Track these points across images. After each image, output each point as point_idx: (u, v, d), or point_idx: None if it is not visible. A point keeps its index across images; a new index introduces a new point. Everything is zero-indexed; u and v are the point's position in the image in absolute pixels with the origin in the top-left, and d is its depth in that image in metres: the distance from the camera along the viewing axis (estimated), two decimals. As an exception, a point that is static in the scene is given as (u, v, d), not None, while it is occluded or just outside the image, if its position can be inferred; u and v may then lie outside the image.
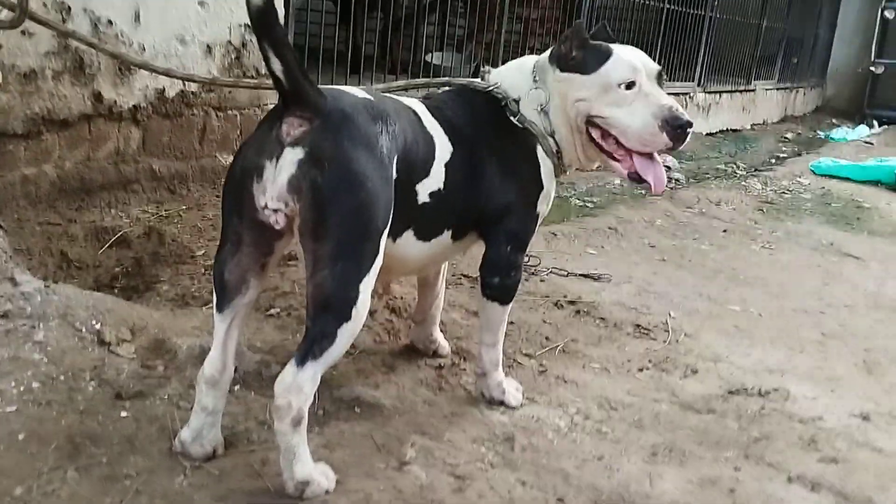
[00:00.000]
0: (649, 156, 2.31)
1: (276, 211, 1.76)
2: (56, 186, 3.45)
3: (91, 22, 3.43)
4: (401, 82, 2.37)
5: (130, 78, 3.62)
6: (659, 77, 2.33)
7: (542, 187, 2.34)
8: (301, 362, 1.77)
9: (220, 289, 1.88)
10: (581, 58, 2.27)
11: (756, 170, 7.42)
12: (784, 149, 9.14)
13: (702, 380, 2.84)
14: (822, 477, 2.28)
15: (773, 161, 8.15)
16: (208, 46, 3.92)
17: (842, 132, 10.49)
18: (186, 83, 3.86)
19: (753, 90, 10.40)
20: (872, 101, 12.30)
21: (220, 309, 1.90)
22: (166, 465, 1.91)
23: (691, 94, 8.73)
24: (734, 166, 7.57)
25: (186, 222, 3.58)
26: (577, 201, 5.50)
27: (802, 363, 3.09)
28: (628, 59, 2.28)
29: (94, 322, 2.39)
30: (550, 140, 2.33)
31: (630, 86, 2.25)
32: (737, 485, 2.18)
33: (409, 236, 2.08)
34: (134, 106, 3.67)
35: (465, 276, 3.45)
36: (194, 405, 1.95)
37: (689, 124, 2.24)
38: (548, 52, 2.37)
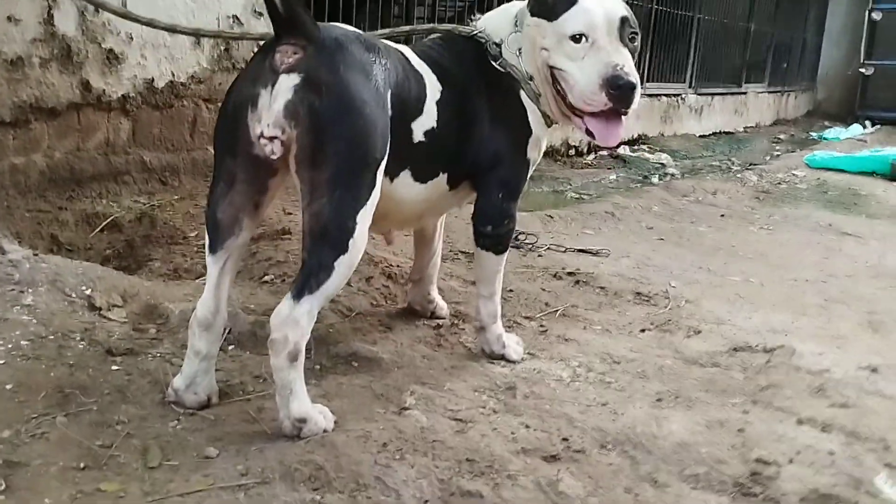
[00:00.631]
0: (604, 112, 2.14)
1: (272, 139, 1.72)
2: (46, 176, 3.41)
3: (78, 10, 3.41)
4: (385, 30, 2.34)
5: (119, 67, 3.60)
6: (621, 28, 2.15)
7: (530, 132, 2.30)
8: (297, 296, 1.72)
9: (212, 229, 1.84)
10: (551, 4, 2.16)
11: (751, 164, 7.41)
12: (778, 148, 9.13)
13: (705, 339, 2.79)
14: (833, 419, 2.22)
15: (768, 158, 8.14)
16: (196, 37, 3.90)
17: (835, 132, 10.50)
18: (175, 74, 3.84)
19: (745, 93, 10.44)
20: (864, 102, 12.33)
21: (212, 250, 1.85)
22: (159, 413, 1.87)
23: (683, 96, 8.75)
24: (729, 162, 7.55)
25: (179, 210, 3.54)
26: (573, 194, 5.47)
27: (806, 325, 3.04)
28: (589, 8, 2.13)
29: (84, 288, 2.34)
30: (531, 84, 2.27)
31: (579, 39, 2.12)
32: (746, 425, 2.13)
33: (406, 177, 2.05)
34: (123, 96, 3.65)
35: (462, 251, 3.41)
36: (187, 351, 1.90)
37: (631, 85, 2.08)
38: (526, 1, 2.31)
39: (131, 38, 3.64)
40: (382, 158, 1.81)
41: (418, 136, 2.03)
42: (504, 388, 2.20)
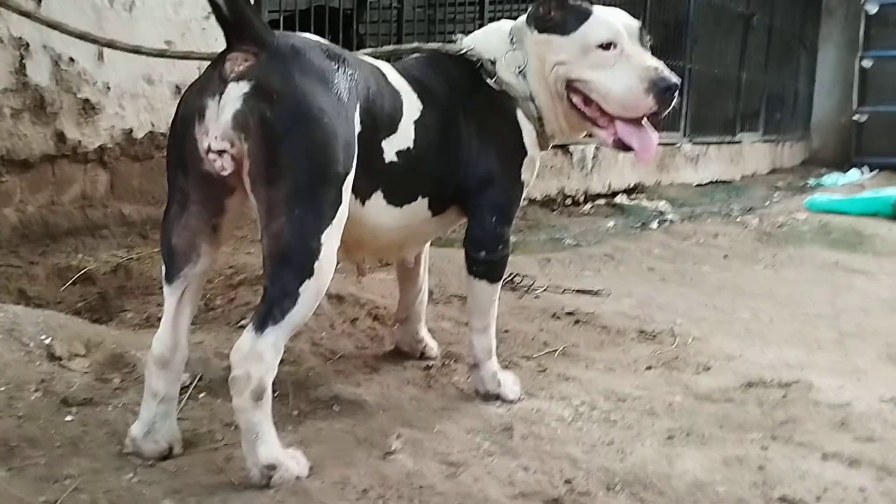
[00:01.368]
0: (634, 120, 2.14)
1: (221, 153, 1.57)
2: (18, 231, 3.27)
3: (52, 59, 3.31)
4: (367, 50, 2.22)
5: (95, 117, 3.49)
6: (640, 35, 2.18)
7: (525, 153, 2.17)
8: (260, 327, 1.56)
9: (168, 256, 1.69)
10: (560, 18, 2.14)
11: (751, 209, 7.28)
12: (777, 195, 9.02)
13: (716, 375, 2.60)
14: (860, 454, 2.02)
15: (768, 203, 8.02)
16: (177, 87, 3.80)
17: (833, 178, 10.40)
18: (155, 124, 3.73)
19: (740, 142, 10.38)
20: (860, 149, 12.30)
21: (169, 280, 1.69)
22: (114, 465, 1.68)
23: (678, 145, 8.67)
24: (728, 208, 7.42)
25: (157, 262, 3.38)
26: (571, 241, 5.31)
27: (823, 359, 2.86)
28: (608, 18, 2.14)
29: (43, 337, 2.17)
30: (531, 104, 2.17)
31: (608, 46, 2.10)
32: (766, 462, 1.94)
33: (378, 199, 1.89)
34: (100, 147, 3.53)
35: (454, 295, 3.24)
36: (144, 393, 1.72)
37: (677, 86, 2.08)
38: (525, 15, 2.24)
39: (108, 88, 3.54)
40: (347, 173, 1.65)
41: (390, 155, 1.88)
42: (500, 428, 2.01)
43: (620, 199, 7.24)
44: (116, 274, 3.12)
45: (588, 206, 6.92)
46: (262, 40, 1.61)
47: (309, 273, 1.57)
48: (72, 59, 3.38)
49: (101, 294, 2.98)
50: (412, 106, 1.96)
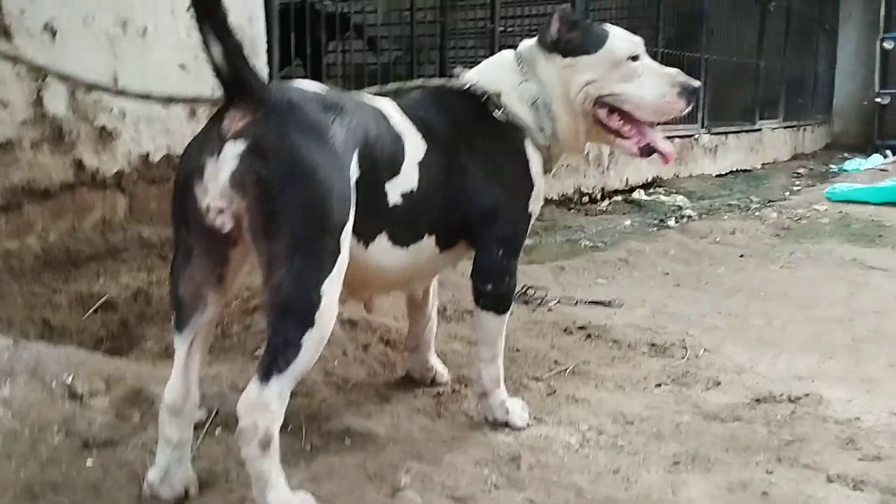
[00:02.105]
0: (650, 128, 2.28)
1: (220, 211, 1.63)
2: (41, 259, 3.34)
3: (68, 90, 3.38)
4: (372, 88, 2.26)
5: (113, 144, 3.56)
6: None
7: (532, 185, 2.22)
8: (265, 377, 1.61)
9: (176, 306, 1.74)
10: (581, 38, 2.22)
11: (770, 201, 7.24)
12: (797, 183, 8.95)
13: (725, 391, 2.63)
14: (865, 475, 2.05)
15: (788, 194, 7.97)
16: (192, 109, 3.86)
17: (855, 163, 10.30)
18: (171, 147, 3.80)
19: (759, 130, 10.30)
20: (882, 131, 12.17)
21: (178, 329, 1.75)
22: (133, 509, 1.74)
23: (696, 136, 8.64)
24: (748, 200, 7.39)
25: (177, 285, 3.46)
26: (587, 242, 5.33)
27: (834, 367, 2.88)
28: (624, 34, 2.26)
29: (65, 375, 2.24)
30: (540, 132, 2.22)
31: (636, 58, 2.23)
32: (770, 487, 1.97)
33: (383, 241, 1.93)
34: (118, 172, 3.60)
35: (468, 311, 3.28)
36: (159, 440, 1.78)
37: (699, 88, 2.29)
38: (530, 44, 2.29)
39: (124, 115, 3.61)
40: (345, 223, 1.69)
41: (395, 198, 1.92)
42: (508, 458, 2.06)
43: (638, 194, 7.24)
44: (137, 300, 3.19)
45: (605, 202, 6.93)
46: (260, 97, 1.65)
47: (310, 323, 1.62)
48: (88, 87, 3.45)
49: (122, 321, 3.05)
50: (415, 147, 2.00)
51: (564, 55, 2.22)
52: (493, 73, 2.26)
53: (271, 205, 1.59)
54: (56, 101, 3.34)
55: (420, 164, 1.99)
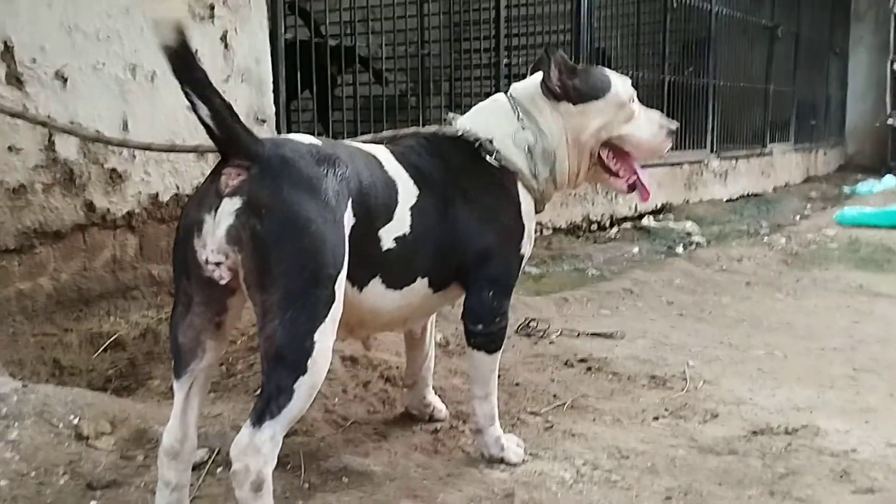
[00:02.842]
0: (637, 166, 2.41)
1: (218, 265, 1.70)
2: (53, 299, 3.43)
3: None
4: (367, 136, 2.33)
5: (122, 185, 3.65)
6: None
7: (524, 228, 2.27)
8: (258, 422, 1.66)
9: (175, 353, 1.81)
10: (588, 84, 2.30)
11: (780, 226, 7.25)
12: (809, 207, 8.96)
13: (723, 423, 2.65)
14: (858, 508, 2.07)
15: (798, 218, 7.98)
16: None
17: (868, 185, 10.28)
18: (180, 187, 3.89)
19: (770, 153, 10.32)
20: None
21: (177, 375, 1.81)
22: (134, 551, 1.79)
23: (705, 162, 8.67)
24: (757, 226, 7.41)
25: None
26: (594, 271, 5.37)
27: (833, 398, 2.89)
28: (617, 74, 2.38)
29: (72, 417, 2.30)
30: (533, 179, 2.28)
31: (632, 100, 2.36)
32: (761, 522, 1.99)
33: (376, 285, 1.99)
34: (128, 212, 3.69)
35: (469, 345, 3.33)
36: (158, 483, 1.83)
37: (677, 128, 2.44)
38: (527, 90, 2.34)
39: (133, 156, 3.70)
40: (338, 273, 1.75)
41: (388, 243, 1.97)
42: (502, 495, 2.09)
43: (647, 220, 7.27)
44: (145, 339, 3.27)
45: (614, 230, 6.96)
46: (253, 154, 1.71)
47: (303, 370, 1.67)
48: (98, 132, 3.55)
49: (130, 360, 3.12)
50: (408, 192, 2.05)
51: (575, 103, 2.28)
52: (485, 119, 2.31)
53: (266, 259, 1.65)
54: (67, 145, 3.44)
55: (412, 208, 2.04)
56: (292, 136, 1.91)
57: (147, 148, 2.19)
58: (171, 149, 2.21)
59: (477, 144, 2.24)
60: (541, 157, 2.29)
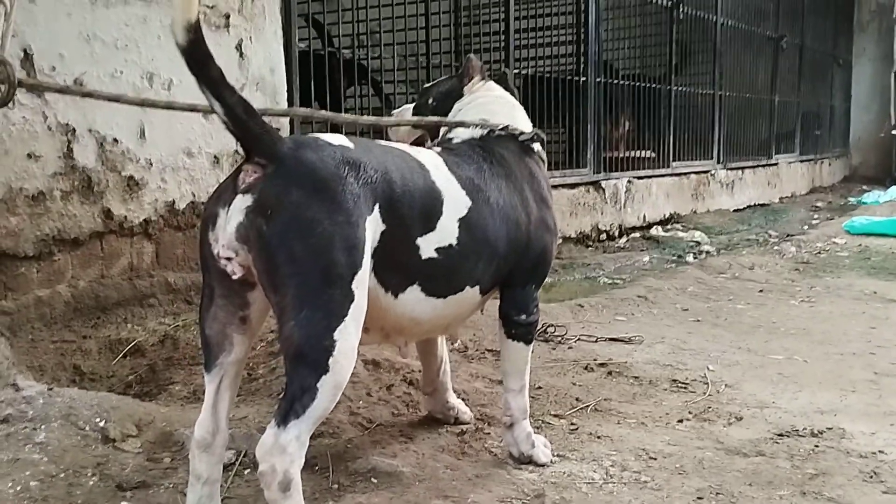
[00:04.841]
0: None
1: (229, 259, 1.69)
2: (71, 306, 3.42)
3: (97, 141, 3.48)
4: (413, 118, 2.34)
5: (140, 193, 3.66)
6: None
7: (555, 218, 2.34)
8: (283, 422, 1.64)
9: (204, 346, 1.80)
10: None
11: (789, 235, 7.25)
12: (816, 217, 8.96)
13: (747, 426, 2.64)
14: (889, 508, 2.06)
15: (806, 228, 7.98)
16: (216, 157, 3.97)
17: (874, 196, 10.29)
18: (196, 194, 3.89)
19: (776, 164, 10.33)
20: (901, 163, 12.17)
21: (207, 368, 1.80)
22: (167, 550, 1.78)
23: (712, 172, 8.68)
24: (766, 235, 7.40)
25: (203, 329, 3.52)
26: (606, 279, 5.37)
27: (856, 402, 2.88)
28: None
29: (98, 420, 2.30)
30: None
31: None
32: (794, 521, 1.98)
33: (415, 292, 1.95)
34: (145, 220, 3.69)
35: (489, 350, 3.32)
36: (189, 477, 1.82)
37: None
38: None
39: (150, 164, 3.71)
40: (355, 272, 1.71)
41: (428, 252, 1.94)
42: (532, 496, 2.08)
43: (656, 230, 7.27)
44: (164, 345, 3.26)
45: (623, 239, 6.96)
46: (272, 153, 1.69)
47: (325, 369, 1.65)
48: (116, 140, 3.56)
49: (150, 366, 3.12)
50: (457, 203, 2.02)
51: None
52: (512, 114, 2.39)
53: (273, 259, 1.64)
54: (85, 152, 3.45)
55: (462, 220, 2.02)
56: (323, 135, 1.89)
57: (169, 107, 2.19)
58: (193, 108, 2.15)
59: (529, 140, 2.31)
60: None
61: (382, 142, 2.05)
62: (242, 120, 1.66)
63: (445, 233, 1.98)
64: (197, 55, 1.58)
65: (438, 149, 2.22)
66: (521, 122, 2.40)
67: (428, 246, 1.95)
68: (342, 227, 1.70)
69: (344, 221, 1.71)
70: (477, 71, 2.53)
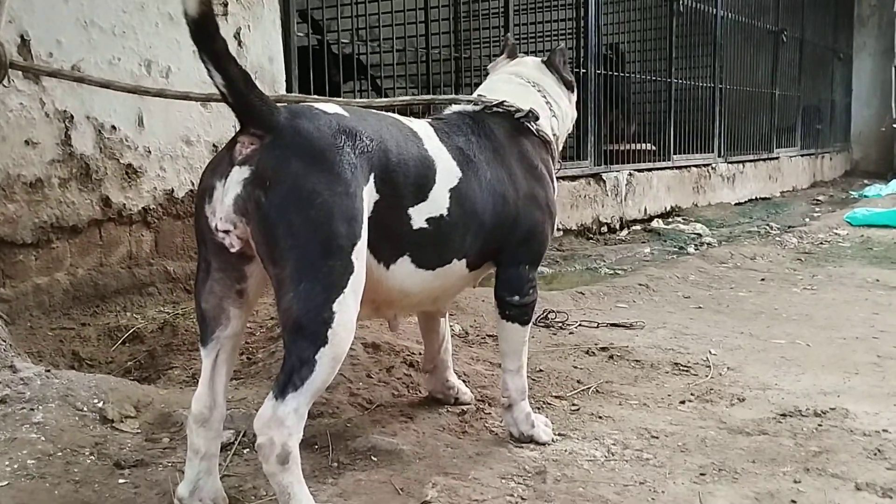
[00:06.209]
0: None
1: (227, 232, 1.68)
2: (69, 294, 3.41)
3: (95, 129, 3.47)
4: (406, 97, 2.32)
5: (138, 180, 3.64)
6: None
7: (554, 198, 2.31)
8: (281, 394, 1.62)
9: (200, 320, 1.78)
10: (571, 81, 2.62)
11: (790, 227, 7.23)
12: (817, 209, 8.94)
13: (750, 406, 2.62)
14: (894, 483, 2.04)
15: (808, 220, 7.96)
16: (214, 146, 3.95)
17: (875, 189, 10.27)
18: (195, 183, 3.87)
19: (777, 158, 10.31)
20: (902, 157, 12.15)
21: (203, 343, 1.78)
22: (165, 525, 1.77)
23: (713, 165, 8.66)
24: (767, 227, 7.39)
25: (202, 317, 3.51)
26: (607, 270, 5.35)
27: (859, 384, 2.86)
28: None
29: (96, 401, 2.28)
30: (554, 148, 2.41)
31: None
32: (798, 496, 1.96)
33: (405, 263, 1.94)
34: (144, 208, 3.68)
35: (489, 335, 3.31)
36: (187, 452, 1.81)
37: None
38: (538, 69, 2.54)
39: (149, 152, 3.70)
40: (354, 244, 1.70)
41: (419, 222, 1.93)
42: (533, 472, 2.06)
43: (657, 223, 7.26)
44: (163, 331, 3.25)
45: (624, 232, 6.95)
46: (269, 124, 1.68)
47: (323, 341, 1.64)
48: (114, 127, 3.55)
49: (149, 352, 3.10)
50: (448, 174, 2.01)
51: (570, 90, 2.60)
52: (515, 92, 2.38)
53: (273, 231, 1.63)
54: (84, 140, 3.44)
55: (452, 190, 2.01)
56: (318, 104, 1.88)
57: (160, 95, 2.18)
58: (209, 98, 2.13)
59: (524, 116, 2.28)
60: (559, 128, 2.49)
61: (375, 111, 2.03)
62: (241, 91, 1.64)
63: (437, 203, 1.97)
64: (206, 27, 1.57)
65: (429, 119, 2.20)
66: (523, 100, 2.36)
67: (419, 216, 1.94)
68: (341, 197, 1.69)
69: (343, 192, 1.69)
70: (504, 50, 2.66)
